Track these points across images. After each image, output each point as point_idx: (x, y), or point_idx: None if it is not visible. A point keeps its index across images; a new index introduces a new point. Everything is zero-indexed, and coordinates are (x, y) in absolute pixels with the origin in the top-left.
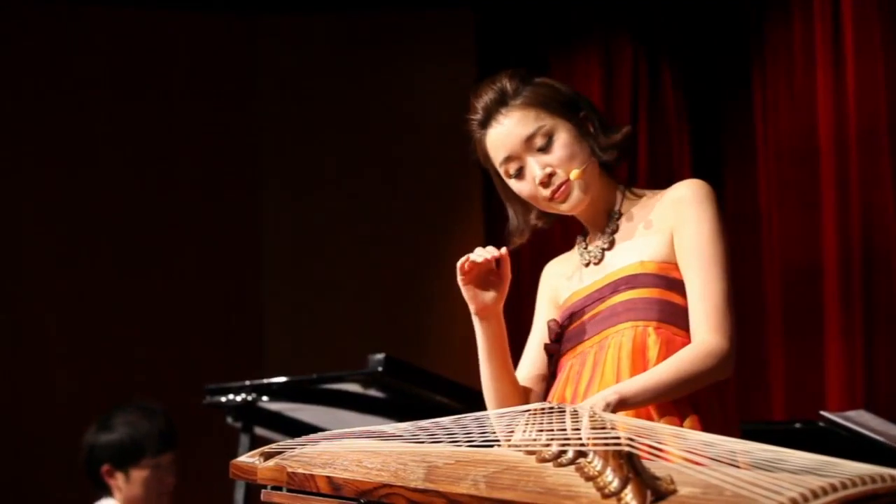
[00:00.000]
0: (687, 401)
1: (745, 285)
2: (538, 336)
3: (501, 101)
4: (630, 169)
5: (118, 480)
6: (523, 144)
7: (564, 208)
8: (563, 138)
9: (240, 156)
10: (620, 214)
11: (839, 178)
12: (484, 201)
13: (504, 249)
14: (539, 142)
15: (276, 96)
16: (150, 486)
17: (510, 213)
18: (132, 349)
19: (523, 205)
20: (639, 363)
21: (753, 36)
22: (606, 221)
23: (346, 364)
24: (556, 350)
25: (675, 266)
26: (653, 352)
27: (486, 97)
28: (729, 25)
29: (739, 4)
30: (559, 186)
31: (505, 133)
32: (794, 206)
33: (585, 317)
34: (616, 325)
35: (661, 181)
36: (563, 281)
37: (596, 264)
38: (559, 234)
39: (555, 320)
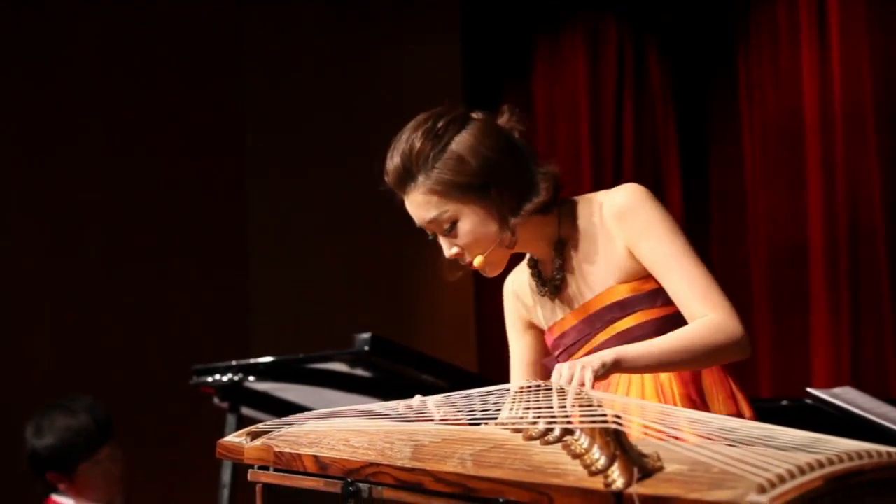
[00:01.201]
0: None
1: (732, 265)
2: (518, 360)
3: (407, 175)
4: (616, 150)
5: (65, 484)
6: (428, 225)
7: (485, 276)
8: (465, 225)
9: (226, 140)
10: (564, 242)
11: (825, 158)
12: None
13: None
14: (444, 226)
15: (262, 80)
16: (97, 482)
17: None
18: (119, 331)
19: None
20: (655, 391)
21: (738, 16)
22: (551, 252)
23: (333, 344)
24: None
25: (645, 279)
26: (664, 376)
27: (395, 163)
28: (714, 5)
29: None
30: (469, 264)
31: (412, 210)
32: (779, 186)
33: (577, 355)
34: None
35: (647, 162)
36: (528, 302)
37: (557, 296)
38: None
39: (552, 357)
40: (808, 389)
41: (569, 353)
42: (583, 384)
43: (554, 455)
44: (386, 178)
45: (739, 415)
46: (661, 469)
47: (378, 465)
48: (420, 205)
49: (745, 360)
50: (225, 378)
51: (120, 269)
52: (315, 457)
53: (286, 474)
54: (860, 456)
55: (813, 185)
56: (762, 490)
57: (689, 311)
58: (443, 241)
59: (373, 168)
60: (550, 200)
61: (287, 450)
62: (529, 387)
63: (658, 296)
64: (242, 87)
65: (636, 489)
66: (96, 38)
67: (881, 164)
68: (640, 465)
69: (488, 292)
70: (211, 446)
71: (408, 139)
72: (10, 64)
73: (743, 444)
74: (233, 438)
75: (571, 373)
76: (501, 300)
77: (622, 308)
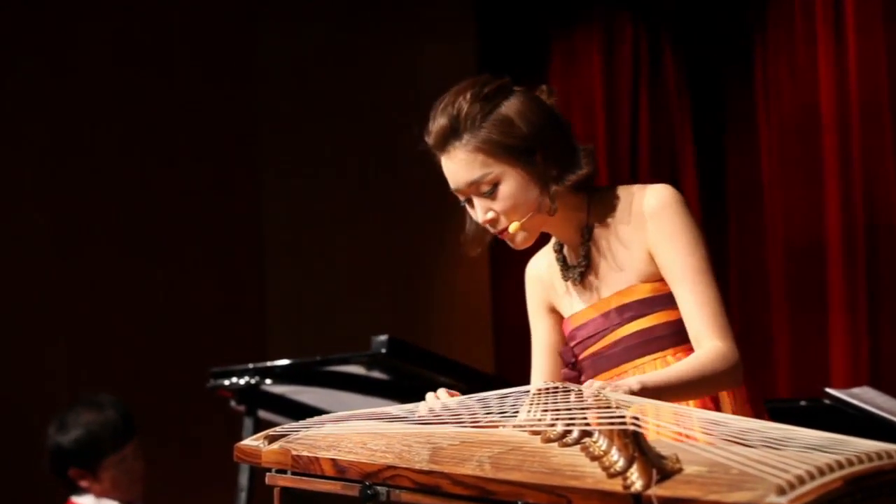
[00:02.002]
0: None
1: (749, 262)
2: (541, 344)
3: (452, 136)
4: (632, 148)
5: (87, 481)
6: (467, 187)
7: (514, 246)
8: (507, 189)
9: (240, 139)
10: (591, 229)
11: (841, 153)
12: None
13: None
14: (484, 188)
15: (276, 79)
16: (120, 479)
17: (467, 220)
18: (134, 334)
19: None
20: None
21: (754, 12)
22: (579, 237)
23: (349, 346)
24: (575, 377)
25: (663, 281)
26: None
27: (440, 122)
28: (729, 1)
29: None
30: (502, 231)
31: (452, 170)
32: (796, 182)
33: (594, 348)
34: (633, 360)
35: (664, 159)
36: (552, 288)
37: (580, 283)
38: None
39: (568, 347)
40: (827, 389)
41: (585, 345)
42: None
43: (572, 457)
44: (426, 139)
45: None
46: (679, 471)
47: (396, 468)
48: (463, 164)
49: (763, 362)
50: (242, 381)
51: (135, 271)
52: (333, 460)
53: (304, 478)
54: (880, 456)
55: (830, 181)
56: (782, 491)
57: (694, 330)
58: (478, 205)
59: (387, 167)
60: (592, 175)
61: (305, 453)
62: (547, 389)
63: (672, 301)
64: (257, 88)
65: (655, 491)
66: (110, 40)
67: None
68: (658, 466)
69: (505, 293)
70: (228, 450)
71: (454, 101)
72: (23, 66)
73: (761, 445)
74: (250, 442)
75: (598, 393)
76: (518, 302)
77: (643, 306)
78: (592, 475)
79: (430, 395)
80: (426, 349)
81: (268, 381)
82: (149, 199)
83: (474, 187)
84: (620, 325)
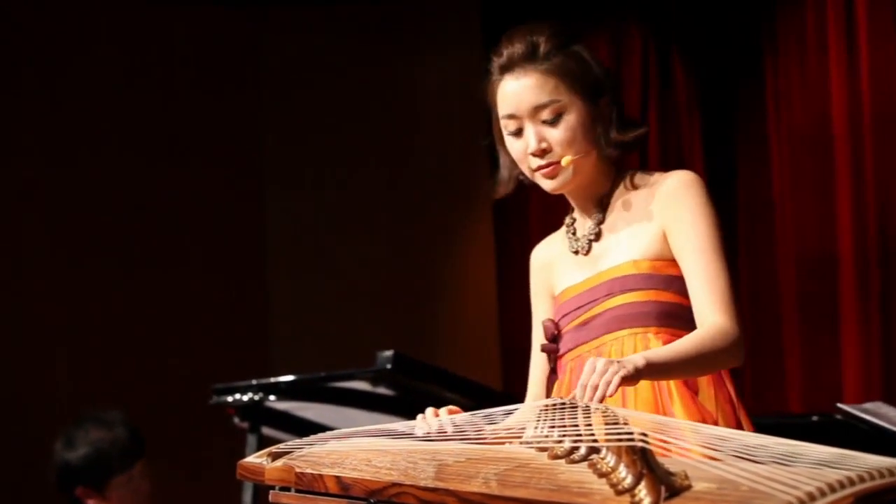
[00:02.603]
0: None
1: (760, 275)
2: (541, 333)
3: (528, 57)
4: (640, 159)
5: (95, 500)
6: (531, 110)
7: (547, 186)
8: (571, 120)
9: (243, 150)
10: (609, 203)
11: (854, 166)
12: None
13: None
14: (546, 115)
15: (279, 89)
16: (128, 499)
17: (500, 160)
18: (136, 349)
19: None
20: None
21: (765, 22)
22: (596, 207)
23: (354, 362)
24: (554, 350)
25: (668, 262)
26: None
27: (516, 47)
28: (740, 11)
29: None
30: (549, 164)
31: (518, 91)
32: (808, 195)
33: (580, 319)
34: (614, 332)
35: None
36: (554, 270)
37: (584, 255)
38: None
39: (551, 320)
40: (838, 404)
41: (571, 317)
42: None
43: (580, 474)
44: (497, 61)
45: (736, 422)
46: (688, 487)
47: (401, 485)
48: (534, 86)
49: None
50: (245, 397)
51: (136, 285)
52: (337, 477)
53: (308, 495)
54: (891, 473)
55: (842, 193)
56: None
57: (698, 309)
58: (532, 133)
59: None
60: (635, 145)
61: (308, 470)
62: (555, 405)
63: (673, 283)
64: (260, 99)
65: None
66: (114, 51)
67: None
68: (667, 483)
69: (512, 308)
70: (231, 467)
71: (530, 32)
72: (27, 78)
73: (771, 461)
74: (253, 459)
75: (606, 368)
76: (525, 316)
77: (635, 282)
78: (600, 492)
79: (429, 412)
80: (432, 365)
81: (271, 397)
82: (151, 210)
83: (536, 112)
84: (608, 297)
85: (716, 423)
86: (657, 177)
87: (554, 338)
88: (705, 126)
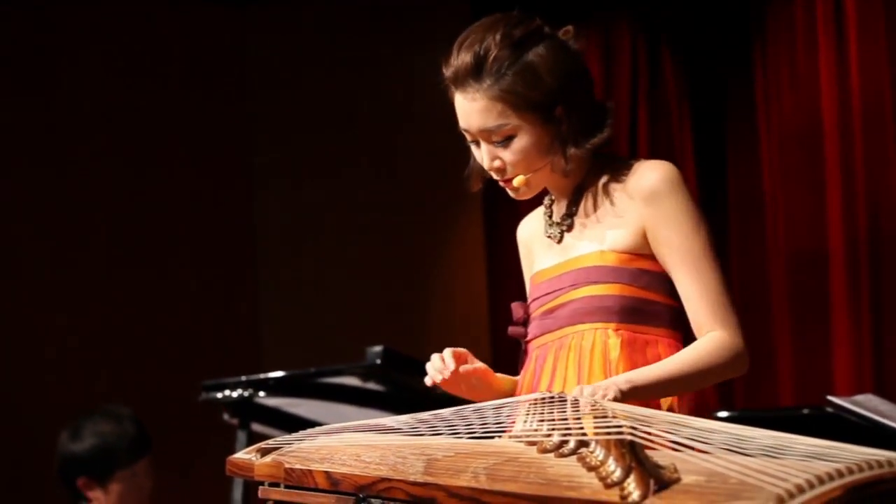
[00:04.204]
0: None
1: (751, 271)
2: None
3: (474, 75)
4: (631, 155)
5: (96, 493)
6: (479, 132)
7: (513, 196)
8: (521, 143)
9: (232, 147)
10: (584, 193)
11: (844, 161)
12: (483, 192)
13: (450, 364)
14: (496, 138)
15: (268, 87)
16: (129, 495)
17: (471, 156)
18: (126, 346)
19: None
20: (603, 366)
21: (754, 17)
22: (570, 196)
23: (344, 358)
24: (522, 334)
25: (641, 256)
26: (614, 353)
27: (463, 59)
28: (729, 8)
29: None
30: (506, 180)
31: (467, 111)
32: (798, 190)
33: (546, 307)
34: (575, 325)
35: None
36: (532, 248)
37: (557, 242)
38: None
39: (521, 303)
40: (829, 397)
41: (540, 303)
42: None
43: (569, 468)
44: (446, 71)
45: (704, 404)
46: (677, 480)
47: (390, 480)
48: (480, 111)
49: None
50: (235, 394)
51: (127, 283)
52: (326, 472)
53: (297, 491)
54: (881, 465)
55: (832, 189)
56: (781, 501)
57: (696, 319)
58: (485, 151)
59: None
60: (610, 139)
61: (298, 466)
62: (544, 398)
63: (641, 277)
64: (249, 96)
65: (653, 501)
66: (100, 51)
67: None
68: (656, 476)
69: (502, 303)
70: (221, 463)
71: (482, 39)
72: (14, 78)
73: (760, 453)
74: (243, 455)
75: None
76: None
77: (600, 274)
78: (589, 485)
79: (435, 357)
80: (422, 360)
81: (261, 393)
82: (140, 210)
83: (486, 134)
84: (573, 287)
85: (671, 409)
86: (637, 166)
87: (524, 321)
88: (695, 123)
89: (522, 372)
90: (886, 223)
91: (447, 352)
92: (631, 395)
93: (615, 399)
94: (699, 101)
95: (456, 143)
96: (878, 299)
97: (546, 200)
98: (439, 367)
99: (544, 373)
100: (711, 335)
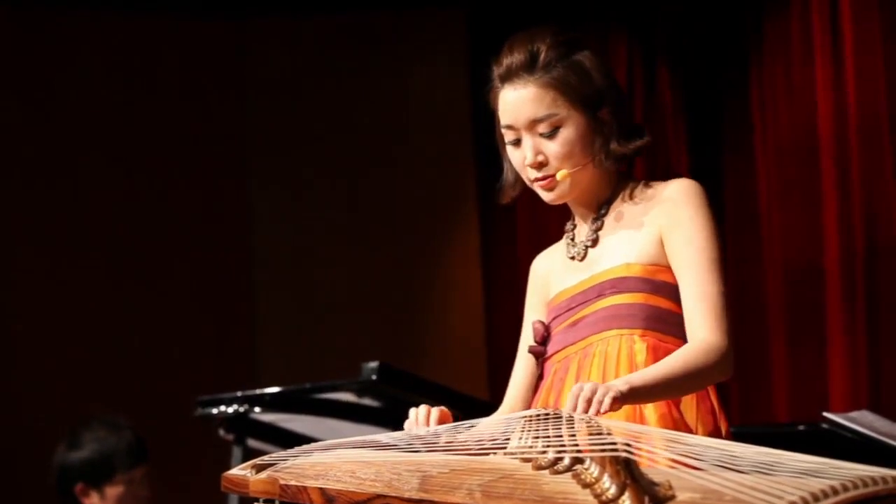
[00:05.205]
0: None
1: (747, 285)
2: (529, 337)
3: (527, 68)
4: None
5: (92, 499)
6: (528, 123)
7: (545, 198)
8: (568, 134)
9: (229, 160)
10: (608, 210)
11: (840, 175)
12: (479, 204)
13: (434, 411)
14: (544, 128)
15: (265, 100)
16: (126, 502)
17: (505, 165)
18: (121, 360)
19: None
20: (629, 371)
21: (750, 31)
22: (595, 214)
23: (340, 373)
24: (541, 353)
25: (663, 268)
26: (640, 358)
27: (516, 56)
28: (725, 21)
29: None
30: (545, 177)
31: (515, 103)
32: (794, 204)
33: (570, 320)
34: (601, 333)
35: (658, 181)
36: (551, 278)
37: (580, 261)
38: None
39: (541, 322)
40: (825, 413)
41: (561, 319)
42: (597, 409)
43: (564, 485)
44: (496, 70)
45: (716, 431)
46: (672, 498)
47: (385, 496)
48: (532, 99)
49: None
50: (230, 409)
51: (122, 297)
52: (321, 489)
53: None
54: (875, 482)
55: (828, 203)
56: None
57: (690, 324)
58: (529, 145)
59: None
60: (636, 155)
61: (293, 482)
62: (538, 415)
63: (663, 289)
64: (246, 110)
65: None
66: (98, 65)
67: None
68: (651, 493)
69: (499, 319)
70: (216, 479)
71: (531, 39)
72: (10, 91)
73: (754, 470)
74: (238, 471)
75: (592, 393)
76: (512, 326)
77: (626, 284)
78: (584, 502)
79: (421, 410)
80: (418, 375)
81: (257, 409)
82: (138, 223)
83: (534, 125)
84: (599, 298)
85: (691, 433)
86: (660, 184)
87: (543, 340)
88: (691, 136)
89: (539, 390)
90: (882, 237)
91: (433, 413)
92: (629, 396)
93: (617, 397)
94: (695, 113)
95: (453, 155)
96: (874, 314)
97: (568, 226)
98: (418, 420)
99: (566, 385)
100: (702, 339)
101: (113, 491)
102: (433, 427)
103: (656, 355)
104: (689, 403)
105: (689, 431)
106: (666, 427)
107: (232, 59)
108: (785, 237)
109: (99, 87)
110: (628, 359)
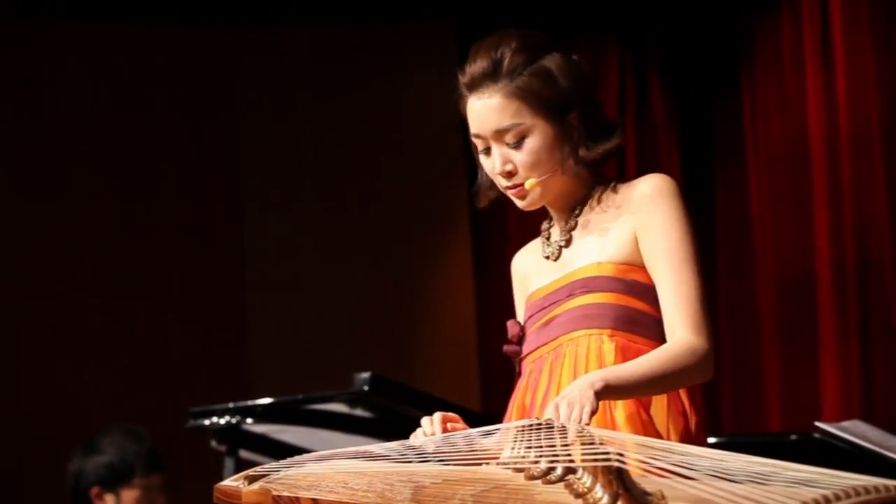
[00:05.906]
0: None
1: (738, 294)
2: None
3: (490, 76)
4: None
5: (107, 502)
6: (493, 133)
7: (519, 205)
8: (534, 143)
9: (222, 170)
10: (582, 210)
11: (831, 184)
12: (471, 216)
13: (437, 416)
14: (509, 138)
15: (258, 111)
16: None
17: (479, 171)
18: (113, 372)
19: None
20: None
21: (741, 40)
22: (569, 214)
23: (332, 384)
24: (516, 352)
25: (636, 267)
26: (609, 359)
27: (479, 64)
28: (716, 30)
29: (727, 9)
30: (515, 185)
31: (481, 113)
32: (785, 213)
33: (543, 320)
34: (570, 333)
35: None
36: (529, 277)
37: (554, 261)
38: None
39: (516, 321)
40: (817, 423)
41: (536, 318)
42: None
43: (556, 495)
44: (461, 79)
45: (687, 432)
46: None
47: None
48: (496, 109)
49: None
50: (222, 420)
51: (114, 310)
52: (314, 500)
53: None
54: (867, 491)
55: (819, 213)
56: None
57: (669, 324)
58: (497, 155)
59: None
60: (621, 148)
61: (285, 493)
62: (531, 425)
63: (635, 289)
64: (238, 122)
65: None
66: (89, 75)
67: (889, 190)
68: (643, 503)
69: (491, 329)
70: (208, 490)
71: (496, 46)
72: (2, 100)
73: (747, 480)
74: (230, 482)
75: (569, 412)
76: (505, 336)
77: (597, 283)
78: None
79: (425, 421)
80: (410, 386)
81: (249, 420)
82: (129, 236)
83: (500, 135)
84: (569, 298)
85: (660, 437)
86: (633, 182)
87: (519, 339)
88: (683, 145)
89: (515, 391)
90: (874, 246)
91: (436, 417)
92: (605, 394)
93: (594, 405)
94: (687, 123)
95: (445, 165)
96: (866, 323)
97: (544, 225)
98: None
99: (540, 385)
100: (683, 339)
101: (129, 495)
102: (446, 434)
103: (625, 356)
104: (659, 405)
105: (659, 434)
106: (635, 428)
107: (225, 70)
108: (776, 247)
109: (90, 99)
110: (597, 359)
